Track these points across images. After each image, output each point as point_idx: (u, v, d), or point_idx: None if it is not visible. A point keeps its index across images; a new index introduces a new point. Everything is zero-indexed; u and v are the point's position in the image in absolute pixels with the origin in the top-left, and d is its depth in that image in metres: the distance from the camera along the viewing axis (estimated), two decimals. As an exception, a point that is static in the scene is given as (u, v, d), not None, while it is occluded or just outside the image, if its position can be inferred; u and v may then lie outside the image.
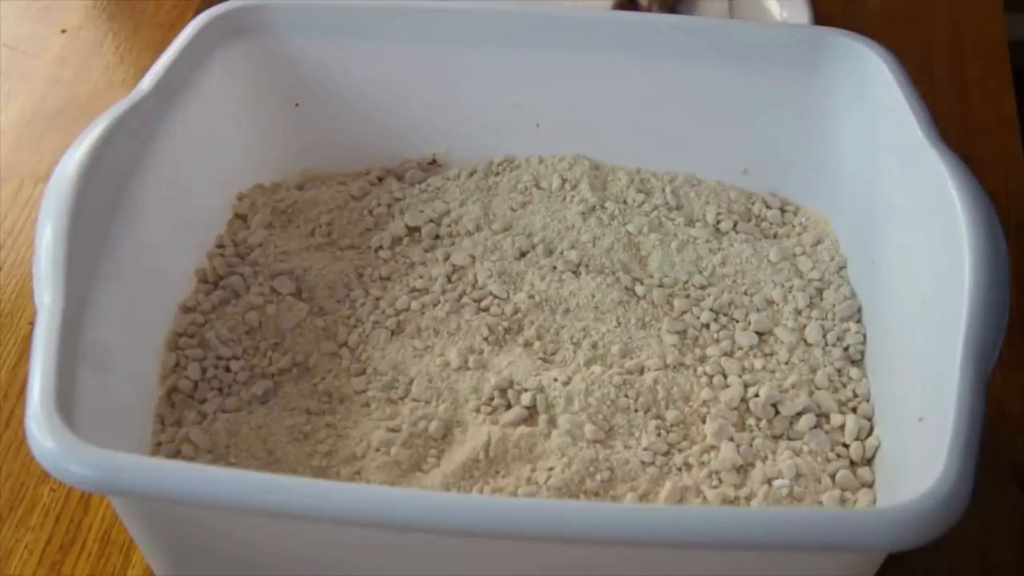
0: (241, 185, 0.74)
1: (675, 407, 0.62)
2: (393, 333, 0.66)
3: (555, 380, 0.62)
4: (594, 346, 0.65)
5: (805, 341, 0.65)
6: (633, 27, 0.73)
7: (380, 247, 0.71)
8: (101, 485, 0.49)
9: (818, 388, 0.63)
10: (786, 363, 0.64)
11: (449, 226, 0.72)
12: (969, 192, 0.56)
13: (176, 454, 0.59)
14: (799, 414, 0.61)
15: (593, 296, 0.67)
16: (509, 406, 0.61)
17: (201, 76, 0.69)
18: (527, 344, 0.65)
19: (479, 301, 0.67)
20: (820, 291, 0.68)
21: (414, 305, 0.67)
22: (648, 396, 0.62)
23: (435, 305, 0.67)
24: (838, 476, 0.59)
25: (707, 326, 0.66)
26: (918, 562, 0.59)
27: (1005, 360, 0.67)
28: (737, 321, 0.67)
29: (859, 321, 0.66)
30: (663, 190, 0.74)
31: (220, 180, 0.72)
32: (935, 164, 0.59)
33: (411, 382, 0.62)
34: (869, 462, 0.60)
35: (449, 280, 0.69)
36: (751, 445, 0.60)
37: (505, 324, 0.66)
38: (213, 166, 0.71)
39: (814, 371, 0.64)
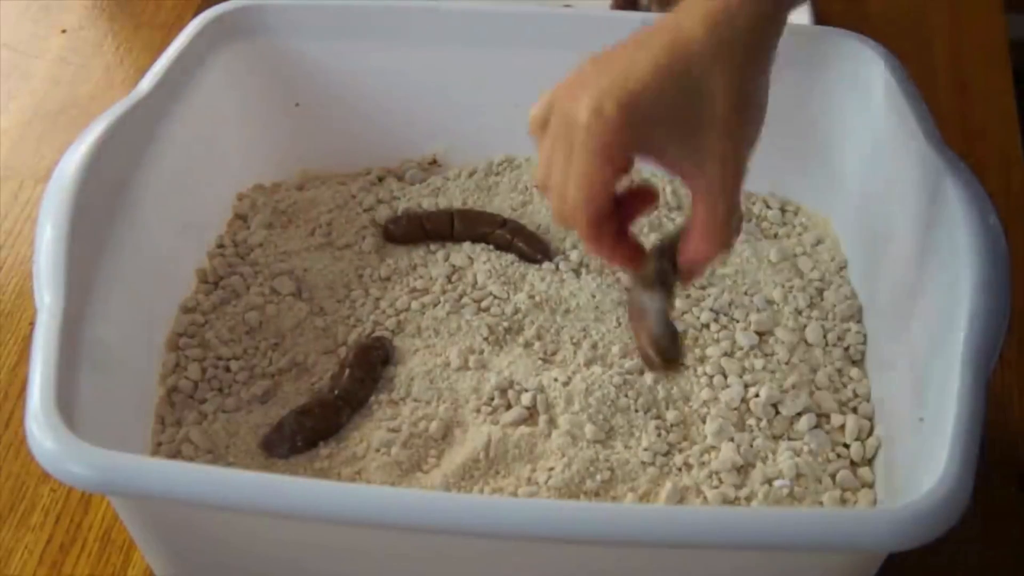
0: (241, 185, 0.74)
1: (675, 407, 0.62)
2: (393, 333, 0.66)
3: (555, 380, 0.62)
4: (594, 346, 0.64)
5: (805, 341, 0.65)
6: (633, 27, 0.73)
7: (380, 247, 0.71)
8: (101, 485, 0.49)
9: (818, 388, 0.63)
10: (786, 363, 0.64)
11: (449, 226, 0.72)
12: (969, 192, 0.56)
13: (176, 454, 0.59)
14: (799, 414, 0.61)
15: (593, 296, 0.67)
16: (509, 406, 0.61)
17: (201, 76, 0.69)
18: (527, 344, 0.65)
19: (479, 301, 0.67)
20: (820, 291, 0.68)
21: (414, 305, 0.67)
22: (648, 396, 0.62)
23: (435, 305, 0.67)
24: (838, 476, 0.59)
25: (707, 326, 0.66)
26: (919, 562, 0.59)
27: (1005, 360, 0.67)
28: (737, 321, 0.66)
29: (859, 321, 0.66)
30: (663, 190, 0.74)
31: (220, 180, 0.72)
32: (935, 164, 0.59)
33: (411, 382, 0.62)
34: (869, 462, 0.60)
35: (449, 280, 0.69)
36: (751, 445, 0.60)
37: (505, 324, 0.66)
38: (213, 166, 0.71)
39: (814, 371, 0.64)
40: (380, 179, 0.76)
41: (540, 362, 0.64)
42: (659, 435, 0.60)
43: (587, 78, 0.51)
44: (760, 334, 0.66)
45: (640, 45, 0.51)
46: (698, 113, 0.50)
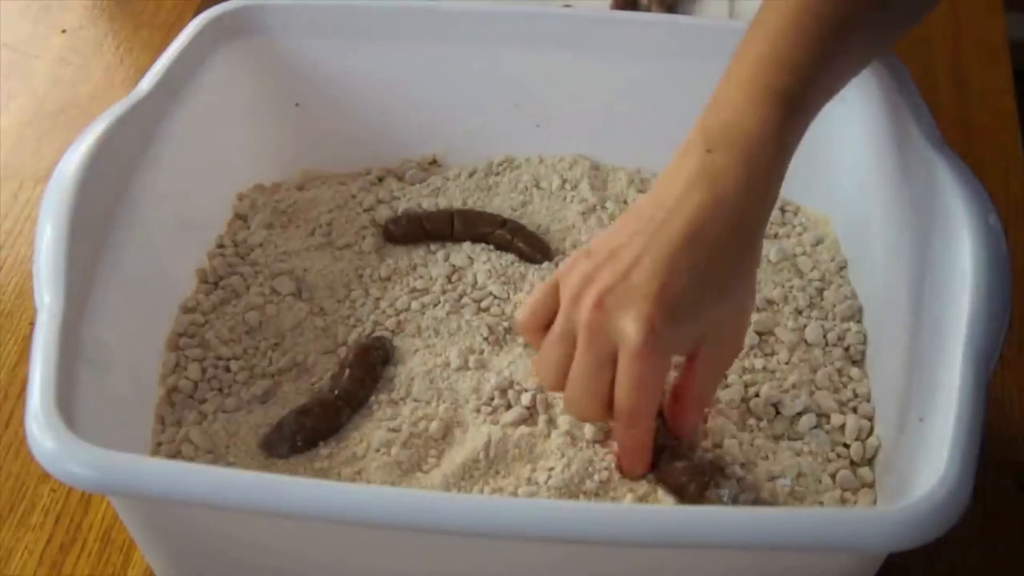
0: (241, 185, 0.74)
1: (675, 407, 0.62)
2: (393, 333, 0.66)
3: (555, 380, 0.62)
4: (594, 346, 0.64)
5: (805, 341, 0.65)
6: (633, 27, 0.73)
7: (380, 247, 0.71)
8: (101, 485, 0.49)
9: (818, 388, 0.63)
10: (786, 363, 0.64)
11: (449, 226, 0.72)
12: (969, 192, 0.56)
13: (176, 454, 0.59)
14: (799, 414, 0.61)
15: (593, 296, 0.67)
16: (509, 406, 0.61)
17: (201, 76, 0.69)
18: (527, 344, 0.65)
19: (479, 301, 0.67)
20: (820, 291, 0.68)
21: (414, 305, 0.67)
22: (648, 396, 0.62)
23: (435, 305, 0.67)
24: (838, 476, 0.59)
25: (707, 326, 0.66)
26: (919, 562, 0.59)
27: (1006, 360, 0.67)
28: (737, 321, 0.66)
29: (859, 321, 0.66)
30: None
31: (220, 180, 0.72)
32: (935, 165, 0.59)
33: (411, 382, 0.62)
34: (869, 462, 0.60)
35: (449, 280, 0.69)
36: (752, 445, 0.60)
37: (505, 324, 0.66)
38: (213, 166, 0.71)
39: (814, 371, 0.64)
40: (380, 179, 0.76)
41: (540, 362, 0.64)
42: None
43: (607, 282, 0.52)
44: (760, 334, 0.66)
45: (656, 230, 0.51)
46: (721, 303, 0.52)
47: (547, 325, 0.55)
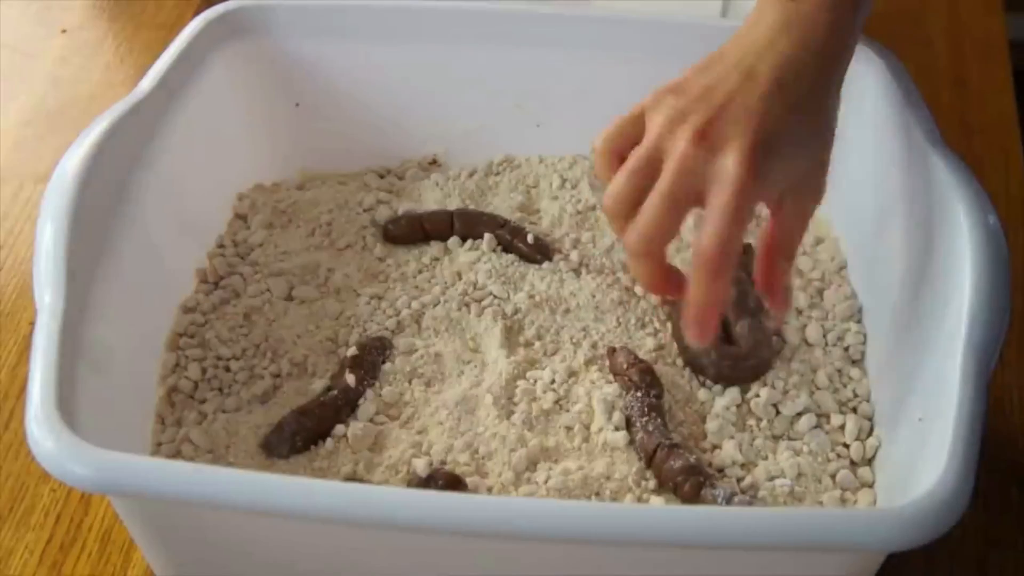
0: (241, 185, 0.74)
1: (676, 407, 0.62)
2: (393, 333, 0.66)
3: (555, 380, 0.62)
4: (594, 346, 0.64)
5: (805, 341, 0.65)
6: (633, 27, 0.73)
7: (380, 247, 0.71)
8: (101, 485, 0.49)
9: (818, 388, 0.63)
10: (786, 363, 0.64)
11: (449, 226, 0.72)
12: (969, 192, 0.56)
13: (176, 454, 0.59)
14: (799, 414, 0.61)
15: (593, 296, 0.67)
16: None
17: (201, 76, 0.69)
18: (527, 344, 0.65)
19: (479, 301, 0.67)
20: (820, 291, 0.68)
21: (414, 305, 0.67)
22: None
23: (435, 305, 0.67)
24: (838, 476, 0.59)
25: (707, 326, 0.66)
26: (918, 562, 0.59)
27: (1005, 360, 0.67)
28: (737, 321, 0.66)
29: (859, 321, 0.66)
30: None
31: (220, 180, 0.72)
32: (935, 165, 0.59)
33: (411, 382, 0.62)
34: (869, 462, 0.60)
35: (449, 280, 0.69)
36: (751, 445, 0.60)
37: (506, 324, 0.66)
38: (213, 166, 0.71)
39: (814, 371, 0.64)
40: (380, 179, 0.76)
41: (540, 362, 0.64)
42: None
43: (706, 116, 0.52)
44: (760, 334, 0.66)
45: (746, 73, 0.53)
46: (810, 145, 0.54)
47: (622, 155, 0.55)
